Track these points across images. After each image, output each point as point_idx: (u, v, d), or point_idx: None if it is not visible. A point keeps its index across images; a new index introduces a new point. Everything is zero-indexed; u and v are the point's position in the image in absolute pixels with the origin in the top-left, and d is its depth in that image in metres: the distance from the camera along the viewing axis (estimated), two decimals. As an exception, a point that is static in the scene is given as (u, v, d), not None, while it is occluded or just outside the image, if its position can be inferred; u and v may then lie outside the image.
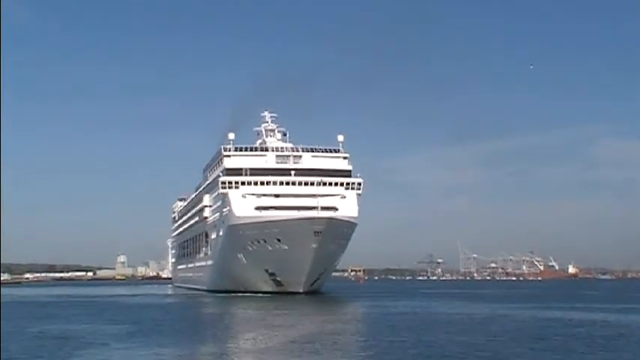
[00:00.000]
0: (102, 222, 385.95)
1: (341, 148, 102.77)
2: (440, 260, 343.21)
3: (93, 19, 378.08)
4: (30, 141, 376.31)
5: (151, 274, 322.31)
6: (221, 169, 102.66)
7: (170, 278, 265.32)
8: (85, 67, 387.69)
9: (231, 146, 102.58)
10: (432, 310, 66.63)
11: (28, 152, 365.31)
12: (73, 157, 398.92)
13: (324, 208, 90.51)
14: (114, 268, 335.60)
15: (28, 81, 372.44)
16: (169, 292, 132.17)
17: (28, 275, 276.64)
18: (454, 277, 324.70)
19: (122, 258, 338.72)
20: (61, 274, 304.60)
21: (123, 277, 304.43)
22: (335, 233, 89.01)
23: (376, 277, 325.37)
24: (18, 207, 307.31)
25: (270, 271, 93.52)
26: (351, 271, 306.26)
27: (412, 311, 63.67)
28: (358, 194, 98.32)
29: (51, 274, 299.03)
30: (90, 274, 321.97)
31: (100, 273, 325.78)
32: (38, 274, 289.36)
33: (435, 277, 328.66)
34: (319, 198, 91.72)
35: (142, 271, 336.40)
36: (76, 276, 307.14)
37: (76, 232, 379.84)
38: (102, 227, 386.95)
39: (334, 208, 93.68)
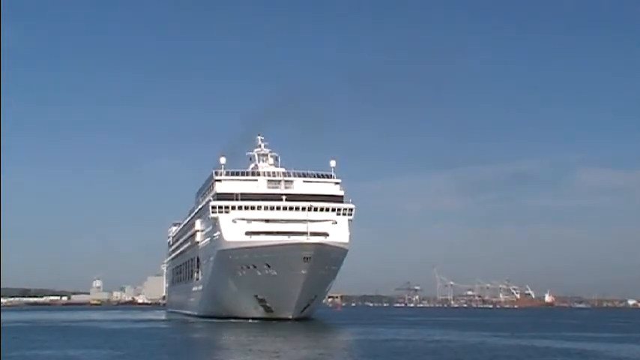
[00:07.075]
0: (79, 246, 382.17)
1: (333, 174, 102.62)
2: (417, 287, 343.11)
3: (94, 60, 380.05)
4: (14, 167, 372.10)
5: (126, 299, 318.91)
6: (212, 193, 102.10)
7: (148, 303, 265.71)
8: (84, 102, 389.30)
9: (222, 171, 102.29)
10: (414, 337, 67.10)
11: (8, 176, 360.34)
12: (55, 181, 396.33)
13: (314, 234, 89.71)
14: (88, 293, 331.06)
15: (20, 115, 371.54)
16: (163, 317, 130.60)
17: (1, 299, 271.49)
18: (431, 305, 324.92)
19: (98, 283, 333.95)
20: (35, 299, 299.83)
21: (98, 302, 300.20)
22: (324, 259, 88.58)
23: (353, 304, 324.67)
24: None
25: (259, 296, 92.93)
26: (329, 297, 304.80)
27: (405, 338, 64.05)
28: (350, 220, 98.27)
29: (25, 299, 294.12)
30: (64, 298, 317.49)
31: (75, 298, 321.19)
32: (11, 299, 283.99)
33: (412, 305, 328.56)
34: (309, 223, 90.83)
35: (117, 296, 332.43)
36: (51, 300, 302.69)
37: (51, 256, 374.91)
38: (78, 251, 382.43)
39: (325, 234, 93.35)
